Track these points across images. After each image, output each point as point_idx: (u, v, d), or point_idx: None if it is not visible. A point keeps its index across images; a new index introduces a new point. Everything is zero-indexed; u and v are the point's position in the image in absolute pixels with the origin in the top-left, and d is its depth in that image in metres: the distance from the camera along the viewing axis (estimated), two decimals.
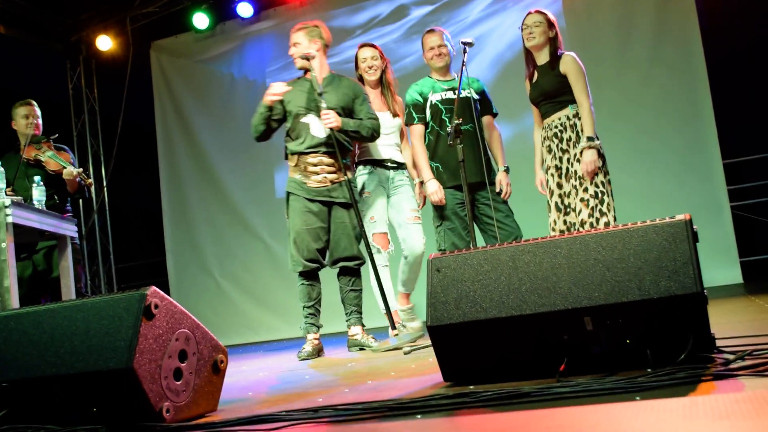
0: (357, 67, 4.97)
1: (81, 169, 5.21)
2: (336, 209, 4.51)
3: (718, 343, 2.16)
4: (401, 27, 7.83)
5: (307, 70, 4.59)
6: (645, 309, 2.04)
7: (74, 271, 5.01)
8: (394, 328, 4.38)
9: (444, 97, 4.70)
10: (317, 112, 4.43)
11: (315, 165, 4.47)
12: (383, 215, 4.82)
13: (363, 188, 4.82)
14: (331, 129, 4.34)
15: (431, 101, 4.71)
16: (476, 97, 4.76)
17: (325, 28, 4.68)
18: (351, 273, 4.59)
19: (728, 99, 6.78)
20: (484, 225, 4.66)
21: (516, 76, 7.08)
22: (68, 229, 4.91)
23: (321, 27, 4.66)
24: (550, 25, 4.40)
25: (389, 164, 4.88)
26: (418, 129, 4.74)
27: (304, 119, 4.49)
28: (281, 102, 4.55)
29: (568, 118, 4.27)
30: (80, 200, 7.98)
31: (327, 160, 4.47)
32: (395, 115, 4.90)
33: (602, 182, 4.15)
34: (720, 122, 6.73)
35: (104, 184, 8.83)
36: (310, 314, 4.57)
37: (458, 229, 4.58)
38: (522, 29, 4.46)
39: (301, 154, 4.49)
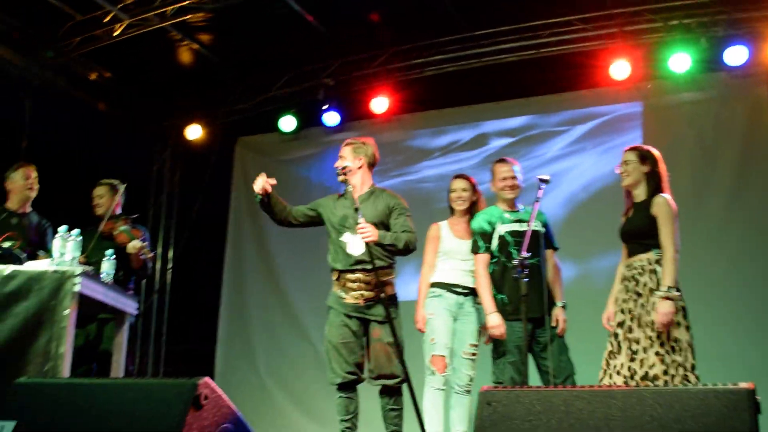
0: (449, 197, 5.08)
1: (145, 243, 5.36)
2: (373, 327, 4.46)
3: None
4: (479, 155, 7.96)
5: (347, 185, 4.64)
6: None
7: None
8: None
9: (512, 229, 4.71)
10: (353, 229, 4.42)
11: (353, 282, 4.47)
12: (444, 339, 4.76)
13: (428, 310, 4.84)
14: (367, 243, 4.30)
15: (500, 232, 4.73)
16: (542, 230, 4.77)
17: (374, 146, 4.76)
18: (391, 392, 4.48)
19: None
20: (540, 360, 4.60)
21: (587, 217, 7.11)
22: (129, 306, 5.00)
23: (369, 144, 4.74)
24: (644, 160, 4.32)
25: (459, 289, 4.85)
26: (484, 258, 4.74)
27: (342, 237, 4.52)
28: (319, 210, 4.70)
29: (650, 263, 4.13)
30: (143, 280, 8.16)
31: (364, 277, 4.44)
32: None
33: (678, 338, 3.96)
34: None
35: (169, 267, 9.00)
36: (347, 428, 4.49)
37: (518, 363, 4.47)
38: (618, 168, 4.44)
39: (340, 271, 4.53)
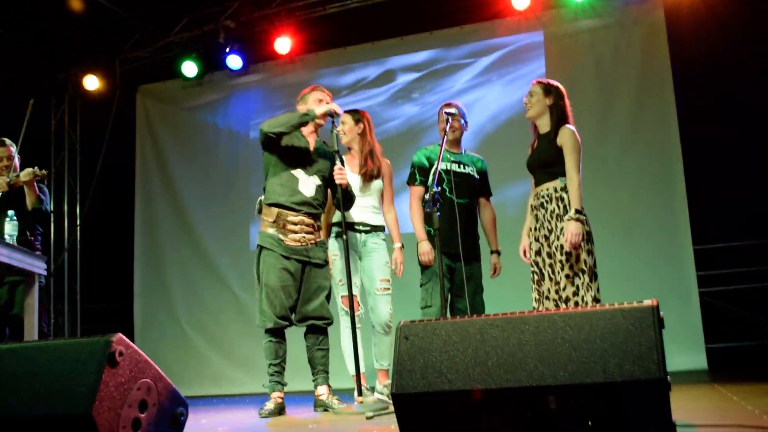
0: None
1: (35, 168, 5.19)
2: (311, 269, 4.52)
3: (679, 430, 2.18)
4: (387, 91, 7.96)
5: (318, 127, 4.64)
6: (608, 391, 2.06)
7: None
8: (360, 393, 4.34)
9: (449, 168, 4.80)
10: (307, 169, 4.55)
11: (295, 224, 4.48)
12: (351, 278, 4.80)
13: (332, 251, 4.85)
14: (340, 185, 4.46)
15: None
16: (477, 176, 4.93)
17: None
18: (319, 332, 4.57)
19: (702, 186, 6.91)
20: (454, 298, 4.77)
21: (496, 148, 7.21)
22: (37, 266, 4.86)
23: None
24: (548, 93, 4.41)
25: (360, 227, 4.86)
26: (417, 190, 4.85)
27: (293, 172, 4.53)
28: (280, 139, 4.51)
29: (555, 190, 4.26)
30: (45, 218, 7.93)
31: (307, 219, 4.51)
32: (375, 177, 4.92)
33: (586, 260, 4.12)
34: (693, 208, 6.85)
35: (77, 223, 8.76)
36: (276, 372, 4.51)
37: (444, 290, 4.57)
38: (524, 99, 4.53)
39: (282, 208, 4.48)
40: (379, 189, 4.94)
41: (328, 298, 4.59)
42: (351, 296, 4.43)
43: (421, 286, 4.80)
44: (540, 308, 4.25)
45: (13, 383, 2.15)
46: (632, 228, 6.96)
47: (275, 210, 4.50)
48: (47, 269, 5.10)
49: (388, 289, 4.84)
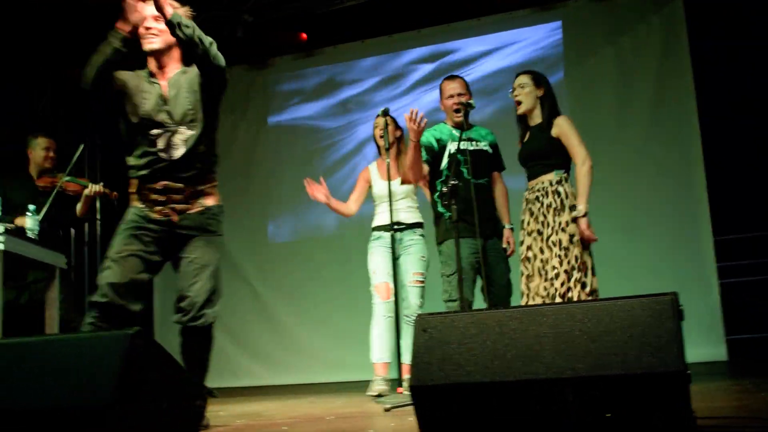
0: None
1: (102, 183, 5.22)
2: (188, 245, 3.54)
3: (699, 423, 2.17)
4: (406, 83, 7.93)
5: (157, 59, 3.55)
6: (627, 384, 2.05)
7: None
8: (400, 384, 4.34)
9: (462, 148, 4.48)
10: (170, 121, 3.42)
11: (158, 191, 3.42)
12: (384, 267, 4.88)
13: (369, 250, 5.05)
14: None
15: (450, 150, 4.59)
16: (490, 150, 4.72)
17: None
18: (199, 330, 3.53)
19: (722, 175, 6.85)
20: (486, 280, 4.45)
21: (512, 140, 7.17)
22: (59, 259, 4.90)
23: None
24: (539, 84, 4.28)
25: (395, 227, 4.87)
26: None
27: (152, 132, 3.40)
28: (121, 84, 3.41)
29: (551, 183, 4.12)
30: (73, 231, 7.95)
31: (176, 185, 3.43)
32: (404, 181, 4.92)
33: (578, 256, 3.98)
34: (713, 199, 6.79)
35: (98, 217, 8.80)
36: None
37: (469, 281, 4.43)
38: (511, 93, 4.36)
39: (142, 177, 3.42)
40: (410, 189, 5.03)
41: (216, 276, 3.73)
42: (396, 287, 4.51)
43: (446, 276, 4.47)
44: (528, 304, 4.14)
45: (34, 377, 2.17)
46: (652, 218, 6.91)
47: (136, 178, 3.46)
48: (68, 263, 5.14)
49: (421, 282, 4.90)
